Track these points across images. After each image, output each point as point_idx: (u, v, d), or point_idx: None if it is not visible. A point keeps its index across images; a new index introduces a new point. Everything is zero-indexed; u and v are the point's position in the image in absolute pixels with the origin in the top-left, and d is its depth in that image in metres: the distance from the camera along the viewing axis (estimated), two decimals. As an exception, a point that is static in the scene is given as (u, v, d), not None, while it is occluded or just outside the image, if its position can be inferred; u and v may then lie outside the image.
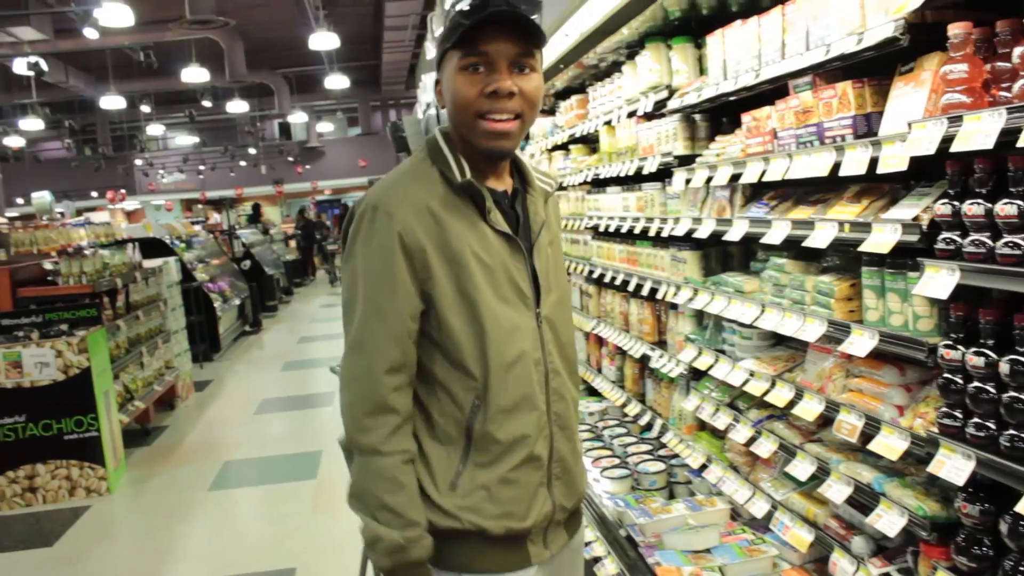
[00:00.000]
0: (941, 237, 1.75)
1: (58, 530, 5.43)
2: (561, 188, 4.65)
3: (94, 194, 26.52)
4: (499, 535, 1.72)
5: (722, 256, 3.05)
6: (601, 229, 3.91)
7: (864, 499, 2.06)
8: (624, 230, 3.52)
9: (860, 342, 1.99)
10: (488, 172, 1.79)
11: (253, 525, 5.24)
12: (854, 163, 2.00)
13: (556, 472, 1.80)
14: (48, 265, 6.91)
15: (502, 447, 1.71)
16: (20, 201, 24.93)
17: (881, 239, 1.91)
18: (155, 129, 26.77)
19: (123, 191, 25.09)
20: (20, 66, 11.86)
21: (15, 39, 12.00)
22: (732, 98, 2.62)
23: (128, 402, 6.94)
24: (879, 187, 2.15)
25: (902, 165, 1.82)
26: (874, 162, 1.92)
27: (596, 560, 2.96)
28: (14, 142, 23.12)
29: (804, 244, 2.18)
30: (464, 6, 1.66)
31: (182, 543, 5.13)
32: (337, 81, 15.52)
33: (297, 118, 23.72)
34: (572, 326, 1.94)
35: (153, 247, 10.01)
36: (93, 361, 5.97)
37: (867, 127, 2.07)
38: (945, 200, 1.75)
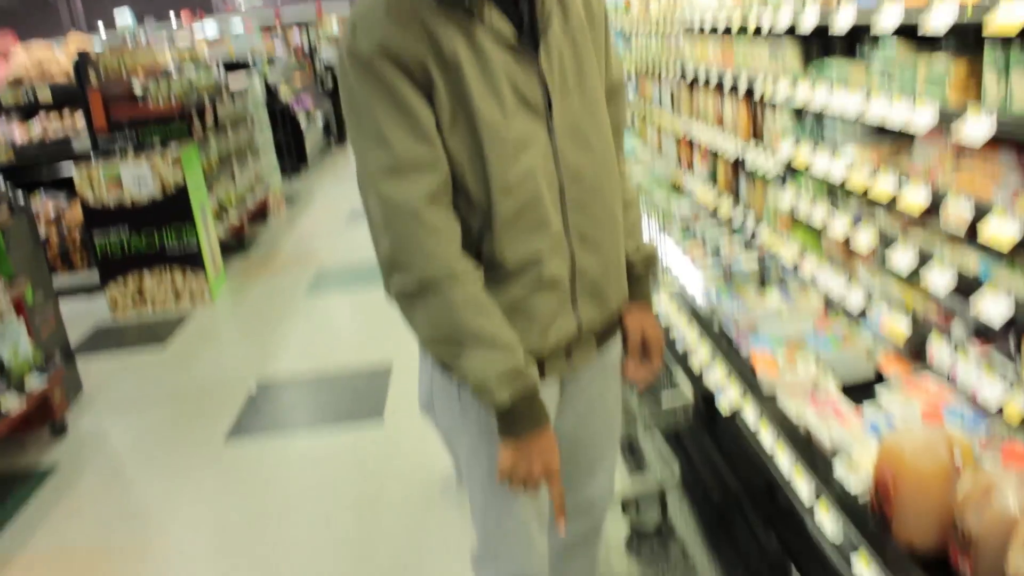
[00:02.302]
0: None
1: (169, 332, 5.78)
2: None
3: (172, 14, 26.45)
4: None
5: (824, 53, 2.90)
6: (695, 28, 3.74)
7: (968, 286, 2.03)
8: (720, 27, 3.36)
9: (977, 127, 1.89)
10: None
11: (349, 326, 5.49)
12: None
13: (582, 290, 1.69)
14: (137, 87, 7.00)
15: (509, 269, 1.59)
16: (101, 23, 25.03)
17: (1010, 16, 1.77)
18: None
19: (201, 11, 24.91)
20: None
21: None
22: None
23: (224, 215, 7.17)
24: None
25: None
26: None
27: (689, 350, 3.01)
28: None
29: (920, 33, 2.05)
30: None
31: (283, 343, 5.42)
32: None
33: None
34: (607, 129, 1.74)
35: (237, 68, 10.02)
36: (188, 176, 6.14)
37: None
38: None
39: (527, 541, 1.83)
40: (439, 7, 1.50)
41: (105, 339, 5.85)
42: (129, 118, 6.74)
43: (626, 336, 1.94)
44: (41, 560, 3.34)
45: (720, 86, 3.48)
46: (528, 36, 1.58)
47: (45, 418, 4.32)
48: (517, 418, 1.57)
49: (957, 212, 1.99)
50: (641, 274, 1.93)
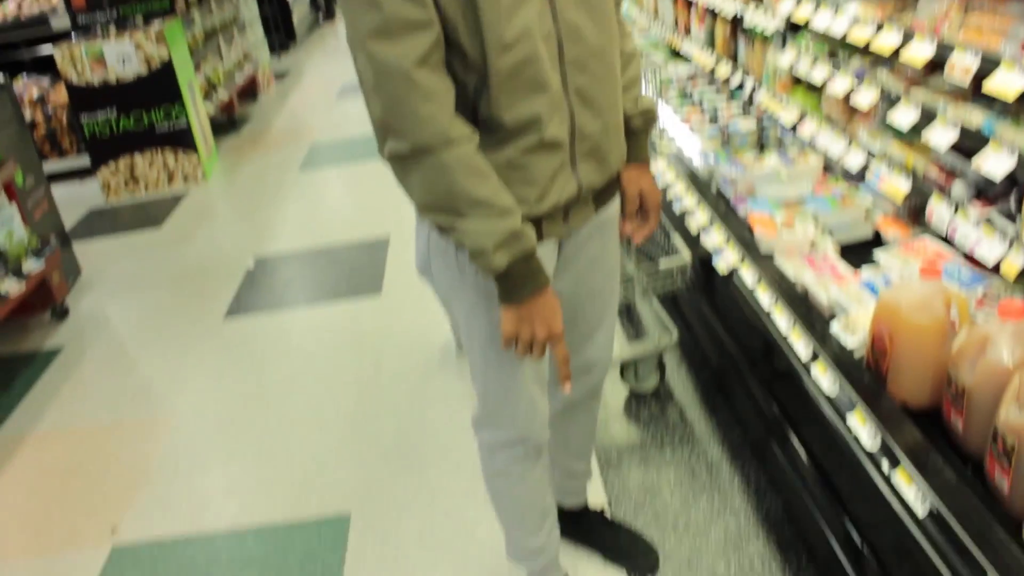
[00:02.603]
0: None
1: (164, 213, 5.76)
2: None
3: None
4: None
5: None
6: None
7: (970, 142, 1.99)
8: None
9: (985, -31, 1.82)
10: None
11: (345, 200, 5.46)
12: None
13: (582, 151, 1.65)
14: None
15: (507, 131, 1.55)
16: None
17: None
18: None
19: None
20: None
21: None
22: None
23: (212, 93, 7.03)
24: None
25: None
26: None
27: (687, 213, 3.00)
28: None
29: None
30: None
31: (280, 219, 5.41)
32: None
33: None
34: None
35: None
36: (173, 52, 5.99)
37: None
38: None
39: (528, 402, 1.85)
40: None
41: (100, 222, 5.82)
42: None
43: (624, 195, 1.92)
44: (52, 437, 3.41)
45: (719, -59, 3.34)
46: None
47: (46, 302, 4.34)
48: (516, 282, 1.55)
49: (963, 65, 1.93)
50: (640, 129, 1.89)
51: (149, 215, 5.78)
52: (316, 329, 3.96)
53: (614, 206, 1.90)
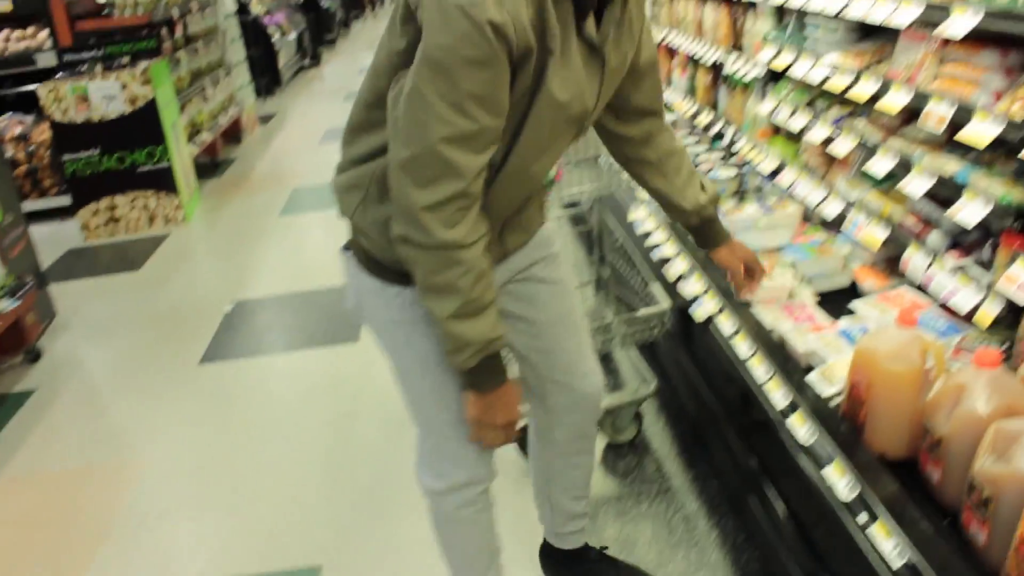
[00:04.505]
0: None
1: (143, 255, 5.70)
2: None
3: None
4: None
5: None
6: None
7: (946, 192, 1.99)
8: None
9: (961, 21, 1.83)
10: None
11: (325, 245, 5.41)
12: None
13: (511, 225, 1.78)
14: (103, -3, 6.76)
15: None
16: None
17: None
18: None
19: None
20: None
21: None
22: None
23: (196, 135, 7.02)
24: None
25: None
26: None
27: (666, 260, 2.98)
28: None
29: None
30: None
31: (259, 263, 5.37)
32: None
33: None
34: None
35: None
36: (158, 92, 5.98)
37: None
38: None
39: (472, 444, 1.83)
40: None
41: (78, 263, 5.75)
42: (95, 31, 6.53)
43: (731, 271, 2.14)
44: (19, 482, 3.32)
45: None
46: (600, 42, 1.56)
47: (20, 344, 4.26)
48: (484, 377, 1.63)
49: (938, 114, 1.94)
50: (714, 215, 2.06)
51: (128, 257, 5.73)
52: (292, 376, 3.90)
53: (544, 229, 1.96)
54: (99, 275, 5.48)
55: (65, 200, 6.34)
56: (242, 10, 9.98)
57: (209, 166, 7.56)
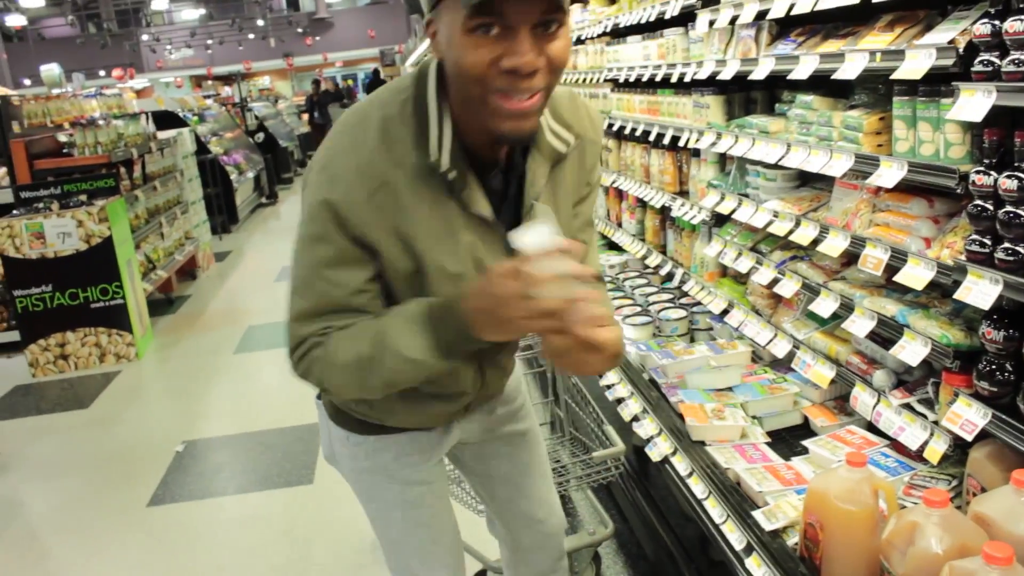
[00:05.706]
0: (978, 59, 1.68)
1: (92, 394, 5.59)
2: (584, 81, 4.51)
3: (101, 73, 26.13)
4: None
5: (745, 102, 2.98)
6: (621, 80, 3.82)
7: (887, 332, 2.07)
8: (645, 79, 3.44)
9: (889, 173, 1.95)
10: (485, 144, 1.44)
11: (278, 385, 5.36)
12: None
13: (478, 401, 1.81)
14: (63, 137, 6.86)
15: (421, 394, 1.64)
16: (28, 82, 24.60)
17: (914, 65, 1.84)
18: (160, 2, 26.14)
19: (131, 68, 24.72)
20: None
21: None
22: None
23: (151, 271, 7.02)
24: (913, 14, 2.06)
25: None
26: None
27: (619, 401, 3.01)
28: (15, 20, 22.60)
29: (834, 76, 2.11)
30: None
31: (210, 403, 5.29)
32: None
33: (304, -14, 23.15)
34: None
35: (166, 120, 9.91)
36: (114, 230, 6.01)
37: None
38: (985, 20, 1.68)
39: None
40: (416, 181, 1.39)
41: (24, 401, 5.62)
42: (54, 167, 6.59)
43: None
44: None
45: (647, 137, 3.53)
46: (510, 206, 1.51)
47: (-44, 485, 4.12)
48: (457, 341, 1.40)
49: (875, 258, 2.03)
50: None
51: (77, 394, 5.61)
52: (243, 519, 3.79)
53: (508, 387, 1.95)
54: (46, 413, 5.36)
55: (14, 335, 6.25)
56: (201, 150, 10.16)
57: (164, 302, 7.53)
